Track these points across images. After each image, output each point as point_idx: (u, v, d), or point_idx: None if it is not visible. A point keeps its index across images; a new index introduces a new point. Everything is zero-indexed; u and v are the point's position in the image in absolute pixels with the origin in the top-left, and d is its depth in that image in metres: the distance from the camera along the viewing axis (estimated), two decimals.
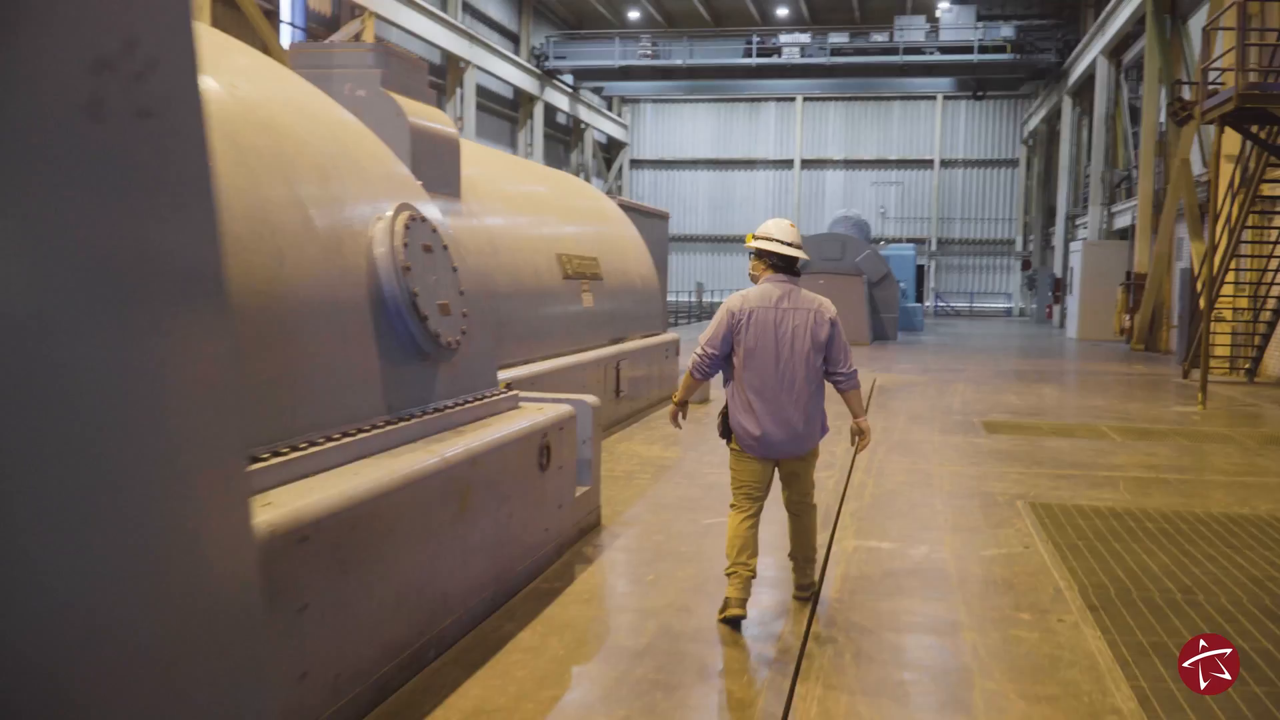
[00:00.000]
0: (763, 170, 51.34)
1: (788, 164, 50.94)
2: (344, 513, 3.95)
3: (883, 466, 9.29)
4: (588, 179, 45.82)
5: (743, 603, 5.07)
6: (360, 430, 4.60)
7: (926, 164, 49.42)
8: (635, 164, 52.97)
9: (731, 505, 5.30)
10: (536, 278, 9.69)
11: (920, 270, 41.43)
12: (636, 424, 11.56)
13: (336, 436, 4.43)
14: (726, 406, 5.32)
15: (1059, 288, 36.15)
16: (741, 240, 51.05)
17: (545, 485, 5.98)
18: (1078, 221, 36.02)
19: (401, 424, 4.87)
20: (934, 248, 49.18)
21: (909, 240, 47.69)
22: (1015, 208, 48.48)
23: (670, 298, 36.72)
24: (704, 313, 42.82)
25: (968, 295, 49.09)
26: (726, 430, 5.33)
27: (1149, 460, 9.82)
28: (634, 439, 10.56)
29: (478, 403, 5.69)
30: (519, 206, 10.13)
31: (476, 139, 33.94)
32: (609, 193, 14.26)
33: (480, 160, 10.27)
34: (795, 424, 5.19)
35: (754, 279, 5.40)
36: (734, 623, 5.05)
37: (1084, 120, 36.55)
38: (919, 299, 38.77)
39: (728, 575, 5.14)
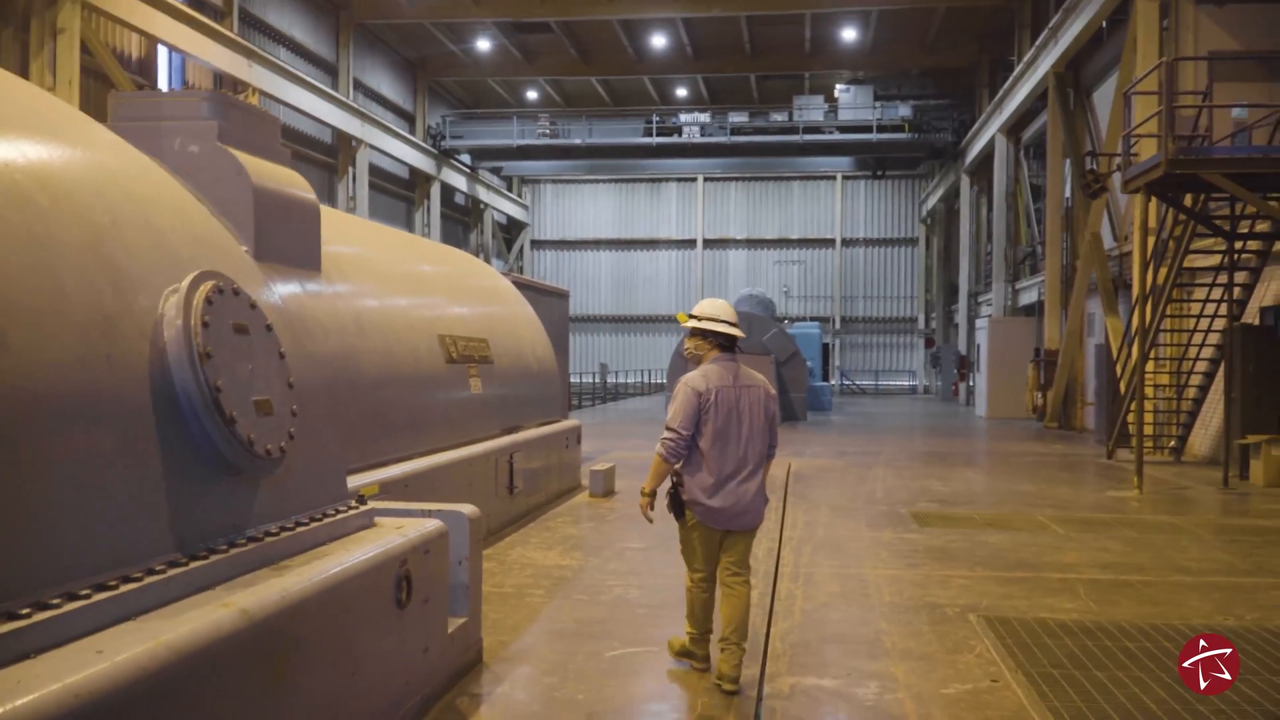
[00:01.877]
0: (666, 250, 50.84)
1: (690, 243, 50.56)
2: (75, 714, 2.67)
3: (811, 572, 8.17)
4: (488, 259, 44.79)
5: (706, 658, 5.60)
6: (127, 580, 3.32)
7: (828, 243, 49.38)
8: (536, 244, 52.10)
9: (692, 573, 5.59)
10: (415, 362, 8.55)
11: (826, 348, 41.10)
12: (533, 524, 10.40)
13: (85, 593, 3.15)
14: (675, 487, 5.53)
15: (964, 365, 35.81)
16: (646, 320, 50.47)
17: (405, 626, 4.72)
18: (980, 299, 35.86)
19: (195, 564, 3.61)
20: (838, 325, 48.98)
21: (813, 319, 47.22)
22: (917, 285, 48.52)
23: (572, 379, 35.51)
24: (609, 394, 41.65)
25: (873, 373, 48.80)
26: (680, 509, 5.53)
27: (1102, 558, 8.87)
28: (529, 542, 9.36)
29: (315, 525, 4.44)
30: (397, 284, 9.06)
31: (370, 219, 32.65)
32: (509, 273, 13.49)
33: (356, 234, 9.22)
34: (753, 496, 5.49)
35: (693, 358, 5.67)
36: (691, 657, 5.63)
37: (982, 198, 36.55)
38: (825, 377, 38.21)
39: (689, 637, 5.64)
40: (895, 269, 49.17)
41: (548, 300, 14.93)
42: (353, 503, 4.95)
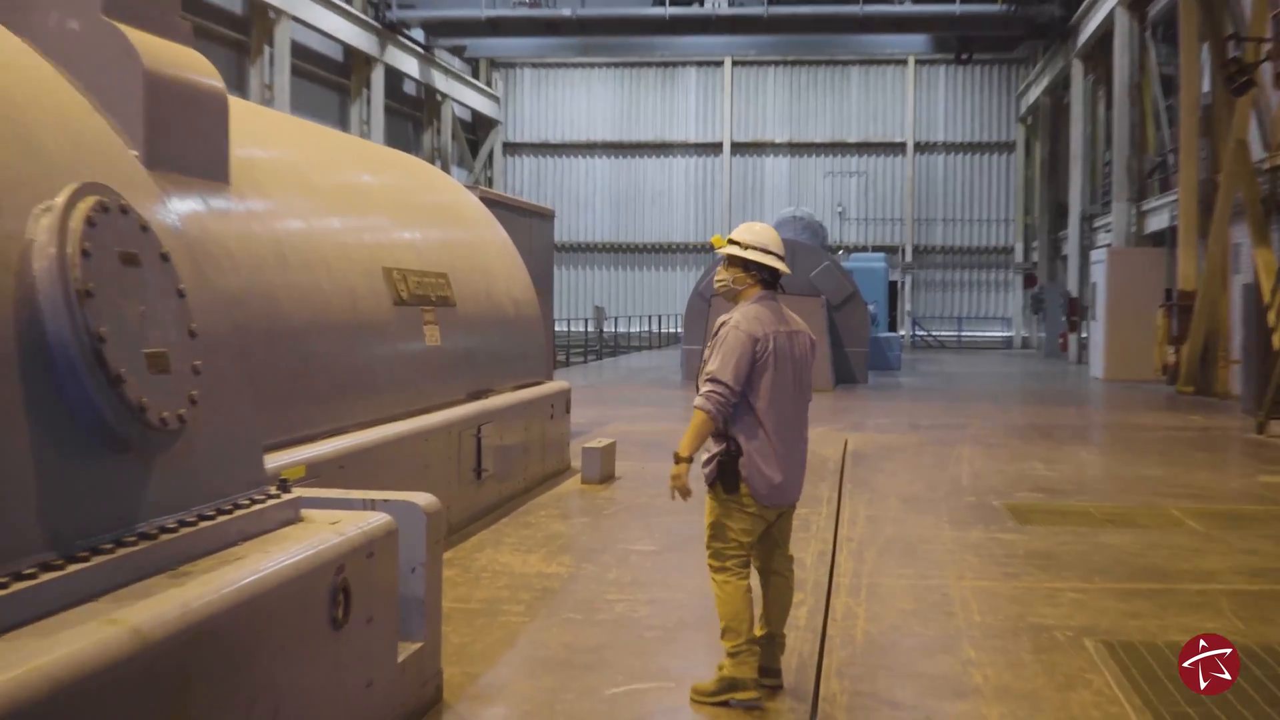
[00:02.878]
0: (681, 156, 50.88)
1: (714, 148, 50.54)
2: None
3: (876, 583, 8.21)
4: (446, 168, 44.86)
5: (758, 682, 5.73)
6: None
7: (897, 148, 49.37)
8: (511, 148, 52.06)
9: (726, 570, 5.78)
10: (352, 304, 8.58)
11: (893, 288, 40.93)
12: (508, 518, 10.44)
13: None
14: (729, 454, 5.72)
15: (1075, 310, 35.81)
16: (656, 249, 50.09)
17: (342, 652, 4.74)
18: (1096, 223, 35.82)
19: (73, 568, 3.62)
20: (909, 258, 48.95)
21: (877, 248, 47.24)
22: (1013, 205, 48.49)
23: (559, 327, 35.52)
24: (606, 347, 41.74)
25: (954, 320, 48.99)
26: (734, 482, 5.72)
27: (1252, 562, 8.93)
28: (503, 542, 9.41)
29: (224, 519, 4.45)
30: (329, 200, 9.10)
31: (293, 114, 32.57)
32: (475, 186, 13.46)
33: (275, 134, 9.26)
34: (803, 464, 5.97)
35: (727, 293, 6.02)
36: (755, 705, 5.63)
37: (1099, 91, 36.41)
38: (892, 326, 38.14)
39: (734, 656, 5.67)
40: (985, 183, 49.15)
41: (526, 223, 14.89)
42: (273, 489, 4.95)
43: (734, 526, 5.75)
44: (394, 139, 41.37)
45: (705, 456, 5.82)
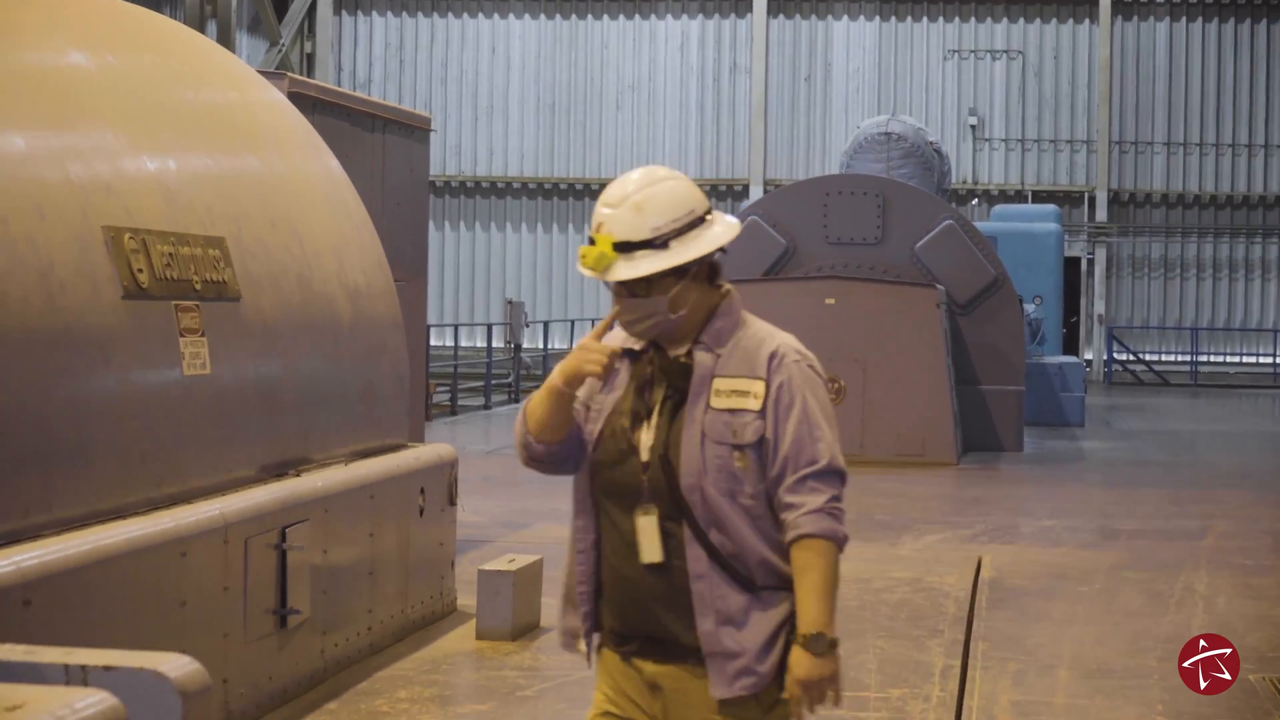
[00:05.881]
0: (673, 17, 33.77)
1: (735, 0, 33.52)
2: None
3: None
4: (228, 38, 27.69)
5: None
6: None
7: (1079, 5, 32.64)
8: (347, 3, 34.84)
9: None
10: (46, 295, 6.25)
11: (1072, 271, 28.47)
12: (336, 703, 7.44)
13: None
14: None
15: None
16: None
17: None
18: None
19: None
20: (1100, 215, 32.57)
21: (1041, 196, 31.96)
22: None
23: (438, 339, 25.24)
24: (526, 375, 28.52)
25: (1183, 334, 32.78)
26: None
27: None
28: None
29: None
30: (6, 103, 6.62)
31: None
32: (281, 72, 9.53)
33: None
34: None
35: (664, 332, 3.83)
36: None
37: None
38: (1070, 346, 27.15)
39: None
40: (1246, 73, 32.33)
41: (379, 142, 11.17)
42: None
43: None
44: None
45: (752, 623, 3.78)
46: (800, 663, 3.66)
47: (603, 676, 3.84)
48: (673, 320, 3.78)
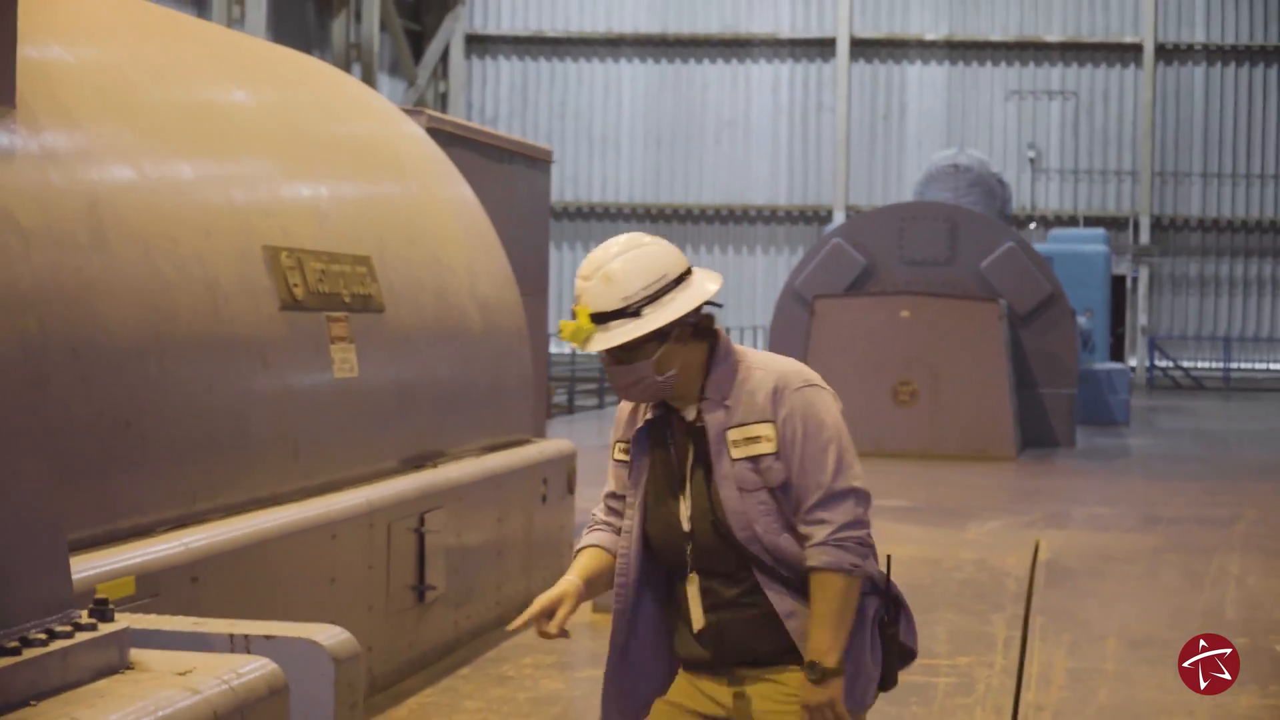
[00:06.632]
0: (766, 62, 35.96)
1: (821, 48, 35.62)
2: None
3: None
4: (370, 77, 28.63)
5: None
6: None
7: (1127, 52, 34.84)
8: (479, 44, 36.76)
9: None
10: (213, 306, 6.32)
11: (1118, 288, 30.36)
12: (469, 668, 7.97)
13: None
14: (885, 621, 3.79)
15: None
16: (717, 217, 37.66)
17: None
18: None
19: None
20: (1144, 238, 35.01)
21: (1092, 221, 34.46)
22: None
23: (556, 346, 25.03)
24: None
25: (1219, 344, 35.27)
26: (895, 674, 3.82)
27: None
28: (460, 712, 7.25)
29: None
30: (176, 134, 6.62)
31: None
32: (419, 108, 10.08)
33: (93, 21, 6.62)
34: None
35: (662, 391, 3.70)
36: None
37: None
38: (1117, 353, 29.03)
39: None
40: (1276, 112, 34.91)
41: (506, 172, 11.59)
42: (83, 616, 3.36)
43: None
44: (284, 32, 28.54)
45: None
46: (803, 688, 3.60)
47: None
48: (662, 382, 3.65)
